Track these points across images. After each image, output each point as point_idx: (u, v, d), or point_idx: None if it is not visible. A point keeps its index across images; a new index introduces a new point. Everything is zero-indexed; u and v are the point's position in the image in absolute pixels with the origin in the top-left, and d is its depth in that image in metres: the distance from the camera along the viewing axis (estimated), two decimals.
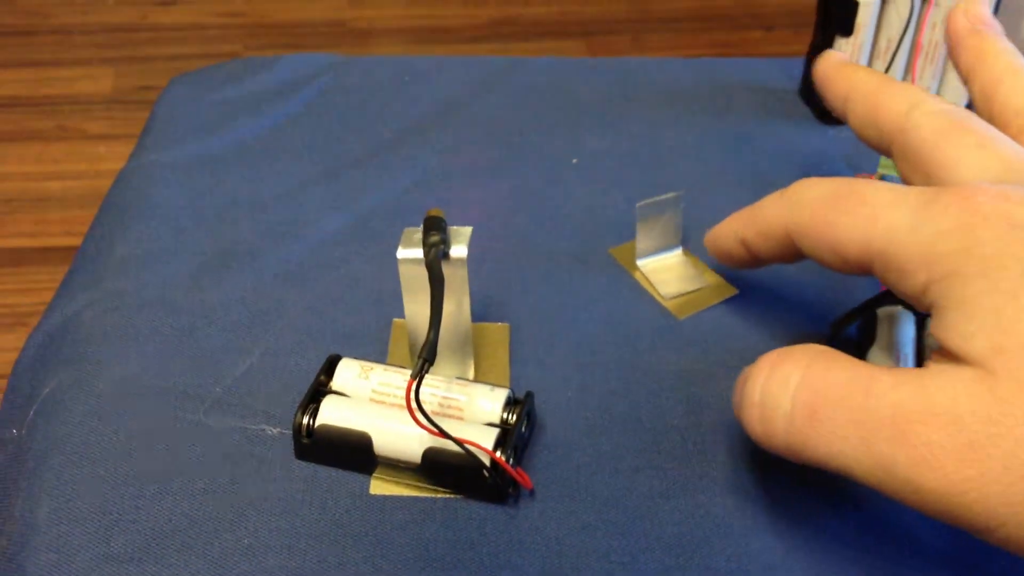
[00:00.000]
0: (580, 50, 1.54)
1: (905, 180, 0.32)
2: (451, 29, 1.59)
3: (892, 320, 0.37)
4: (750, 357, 0.38)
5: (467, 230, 0.35)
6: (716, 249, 0.37)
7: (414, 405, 0.31)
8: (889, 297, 0.37)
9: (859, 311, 0.37)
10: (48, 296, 1.24)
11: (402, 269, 0.35)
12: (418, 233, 0.35)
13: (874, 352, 0.36)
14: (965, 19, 0.35)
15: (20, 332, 1.12)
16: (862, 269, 0.30)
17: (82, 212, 1.26)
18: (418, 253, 0.34)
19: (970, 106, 0.35)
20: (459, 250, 0.34)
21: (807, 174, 0.46)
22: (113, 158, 1.34)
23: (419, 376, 0.31)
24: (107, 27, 1.58)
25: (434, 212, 0.35)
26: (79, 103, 1.44)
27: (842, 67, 0.36)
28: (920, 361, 0.36)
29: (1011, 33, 0.35)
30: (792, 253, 0.33)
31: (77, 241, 1.22)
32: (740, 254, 0.36)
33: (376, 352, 0.38)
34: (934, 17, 0.47)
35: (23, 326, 1.13)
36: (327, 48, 1.54)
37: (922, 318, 0.37)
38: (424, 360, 0.31)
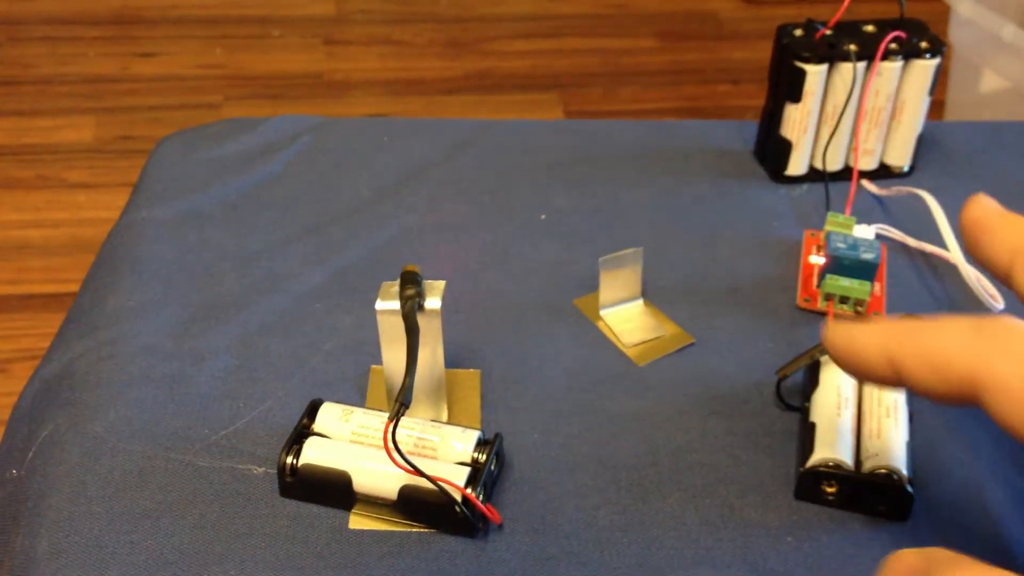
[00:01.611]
0: (553, 102, 1.58)
1: None
2: (426, 81, 1.62)
3: (834, 366, 0.40)
4: (705, 401, 0.41)
5: (441, 284, 0.38)
6: (849, 357, 0.32)
7: (391, 445, 0.34)
8: None
9: (803, 357, 0.40)
10: (28, 343, 1.25)
11: (380, 320, 0.38)
12: (395, 286, 0.38)
13: (817, 395, 0.39)
14: (987, 203, 0.34)
15: (0, 378, 1.13)
16: None
17: (63, 260, 1.28)
18: (395, 305, 0.37)
19: None
20: (433, 302, 0.37)
21: (760, 230, 0.50)
22: (93, 207, 1.37)
23: (396, 418, 0.34)
24: (88, 78, 1.60)
25: (410, 267, 0.38)
26: (60, 152, 1.46)
27: (1005, 218, 0.33)
28: (860, 403, 0.39)
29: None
30: (963, 401, 0.29)
31: (57, 288, 1.25)
32: (883, 374, 0.31)
33: (355, 397, 0.41)
34: (876, 85, 0.51)
35: (3, 373, 1.14)
36: (305, 99, 1.57)
37: None
38: (400, 404, 0.34)
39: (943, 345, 0.29)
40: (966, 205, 0.34)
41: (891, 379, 0.30)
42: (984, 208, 0.33)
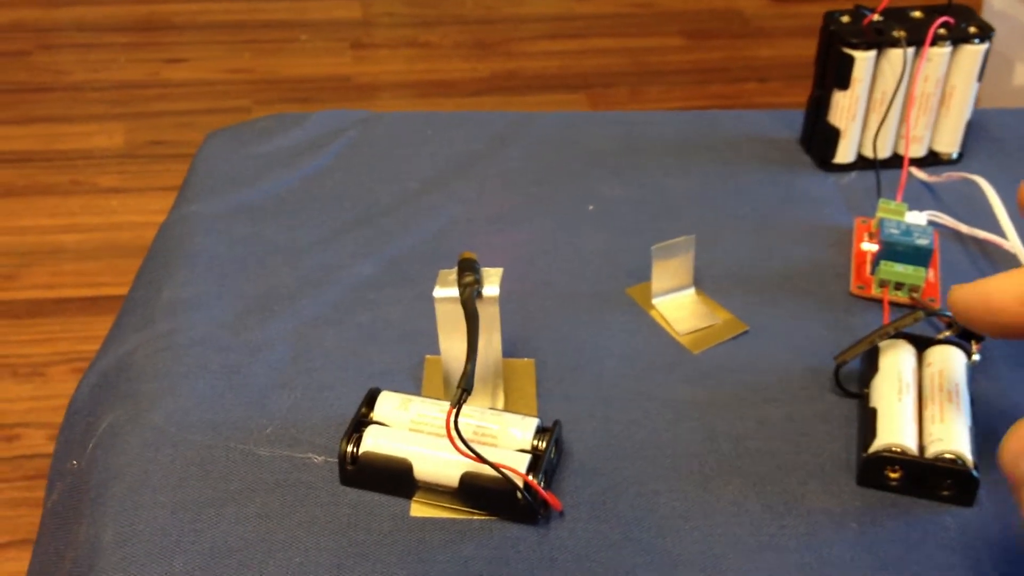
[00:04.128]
0: (580, 102, 1.58)
1: None
2: (454, 83, 1.63)
3: (893, 351, 0.40)
4: (762, 388, 0.41)
5: (498, 271, 0.38)
6: (983, 305, 0.32)
7: (454, 432, 0.34)
8: (888, 329, 0.40)
9: (862, 343, 0.40)
10: (65, 347, 1.25)
11: (438, 307, 0.38)
12: (453, 274, 0.38)
13: (877, 381, 0.39)
14: None
15: (37, 382, 1.14)
16: None
17: (97, 264, 1.29)
18: (454, 292, 0.37)
19: None
20: (491, 289, 0.37)
21: (810, 218, 0.50)
22: (126, 211, 1.38)
23: (458, 404, 0.34)
24: (119, 84, 1.61)
25: (467, 255, 0.38)
26: (92, 158, 1.47)
27: None
28: (920, 388, 0.39)
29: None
30: None
31: (92, 292, 1.25)
32: (1018, 319, 0.31)
33: (410, 386, 0.41)
34: (926, 71, 0.50)
35: (40, 376, 1.15)
36: (333, 103, 1.58)
37: (921, 349, 0.40)
38: (463, 390, 0.34)
39: None
40: (1022, 189, 0.34)
41: None
42: None
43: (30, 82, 1.61)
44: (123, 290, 0.48)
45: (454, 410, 0.34)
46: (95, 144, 1.49)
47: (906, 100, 0.51)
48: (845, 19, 0.51)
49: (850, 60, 0.50)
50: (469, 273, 0.37)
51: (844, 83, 0.50)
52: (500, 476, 0.35)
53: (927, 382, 0.39)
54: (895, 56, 0.50)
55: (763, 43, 1.74)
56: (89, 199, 1.40)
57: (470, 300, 0.36)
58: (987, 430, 0.39)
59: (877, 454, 0.36)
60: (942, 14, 0.50)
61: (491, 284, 0.37)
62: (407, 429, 0.37)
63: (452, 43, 1.72)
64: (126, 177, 1.44)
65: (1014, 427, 0.30)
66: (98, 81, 1.62)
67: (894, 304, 0.44)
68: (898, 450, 0.36)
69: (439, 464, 0.36)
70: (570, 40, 1.72)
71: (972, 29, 0.50)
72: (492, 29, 1.75)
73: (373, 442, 0.37)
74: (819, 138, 0.53)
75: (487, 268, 0.38)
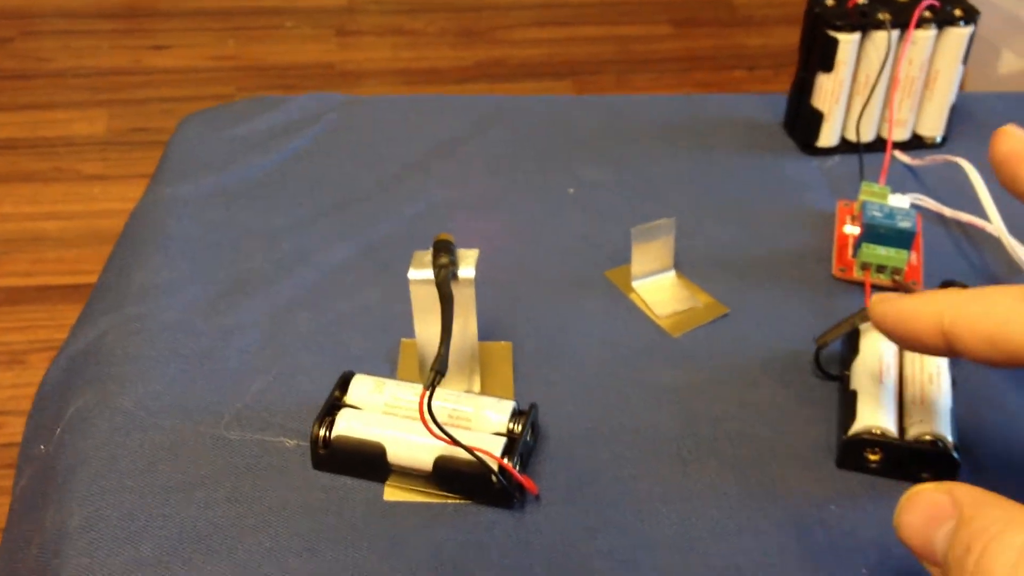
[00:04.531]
0: (567, 89, 1.57)
1: None
2: (439, 71, 1.62)
3: (874, 334, 0.39)
4: (742, 371, 0.40)
5: (473, 252, 0.37)
6: (901, 331, 0.32)
7: (427, 415, 0.33)
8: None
9: (842, 325, 0.39)
10: (45, 334, 1.24)
11: (413, 289, 0.37)
12: (428, 255, 0.37)
13: (858, 364, 0.39)
14: (1019, 133, 0.33)
15: (17, 370, 1.13)
16: None
17: (78, 251, 1.28)
18: (428, 274, 0.36)
19: None
20: (467, 271, 0.37)
21: (792, 202, 0.49)
22: (108, 198, 1.36)
23: (432, 387, 0.33)
24: (101, 71, 1.60)
25: (443, 236, 0.37)
26: (74, 145, 1.46)
27: None
28: (901, 370, 0.38)
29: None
30: (1019, 366, 0.29)
31: (74, 280, 1.24)
32: (936, 346, 0.31)
33: (386, 371, 0.40)
34: (910, 54, 0.50)
35: (20, 364, 1.14)
36: (318, 90, 1.56)
37: None
38: (436, 372, 0.33)
39: (996, 315, 0.29)
40: (996, 138, 0.33)
41: (943, 350, 0.31)
42: (1019, 139, 0.33)
43: (12, 69, 1.59)
44: None
45: (427, 392, 0.33)
46: (77, 131, 1.48)
47: (890, 83, 0.51)
48: (830, 2, 0.50)
49: (834, 43, 0.49)
50: (444, 254, 0.36)
51: (828, 65, 0.50)
52: (474, 459, 0.34)
53: (908, 365, 0.38)
54: (879, 39, 0.49)
55: (751, 31, 1.73)
56: (71, 186, 1.38)
57: (445, 282, 0.36)
58: (968, 413, 0.38)
59: (857, 436, 0.36)
60: None
61: (467, 266, 0.37)
62: (381, 413, 0.37)
63: (438, 30, 1.71)
64: (108, 164, 1.43)
65: (906, 498, 0.28)
66: (81, 68, 1.60)
67: (876, 287, 0.44)
68: (878, 432, 0.36)
69: (413, 448, 0.35)
70: (557, 28, 1.71)
71: (957, 12, 0.50)
72: (478, 17, 1.74)
73: (346, 425, 0.36)
74: (803, 121, 0.52)
75: (463, 249, 0.37)
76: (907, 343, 0.32)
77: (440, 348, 0.34)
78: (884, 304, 0.32)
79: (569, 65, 1.63)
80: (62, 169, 1.41)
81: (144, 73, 1.60)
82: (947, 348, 0.30)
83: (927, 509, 0.27)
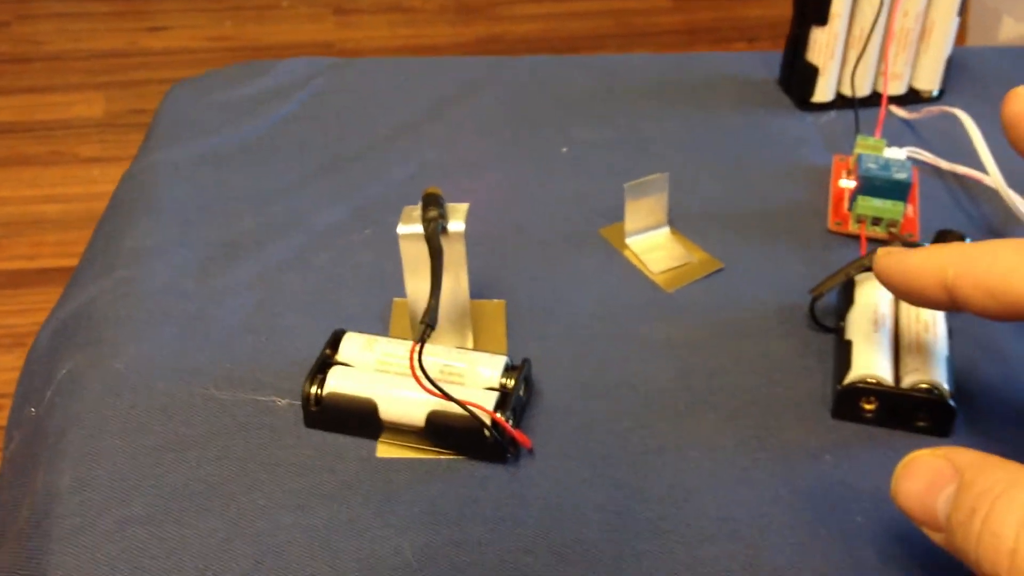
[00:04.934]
0: None
1: None
2: (438, 48, 1.61)
3: (870, 284, 0.39)
4: (737, 325, 0.40)
5: (464, 206, 0.37)
6: (904, 284, 0.32)
7: (418, 369, 0.33)
8: (864, 261, 0.39)
9: (837, 275, 0.39)
10: (45, 317, 1.25)
11: (403, 245, 0.37)
12: (417, 210, 0.37)
13: (853, 314, 0.38)
14: None
15: (19, 352, 1.13)
16: None
17: (78, 234, 1.28)
18: (418, 228, 0.36)
19: None
20: (457, 224, 0.36)
21: (788, 157, 0.49)
22: (107, 180, 1.36)
23: (422, 340, 0.33)
24: (98, 53, 1.60)
25: (432, 189, 0.37)
26: (72, 128, 1.45)
27: None
28: (897, 320, 0.38)
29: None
30: (1020, 319, 0.29)
31: (74, 262, 1.23)
32: (938, 299, 0.31)
33: (378, 330, 0.40)
34: (905, 5, 0.49)
35: (22, 346, 1.14)
36: None
37: None
38: (427, 325, 0.33)
39: (999, 269, 0.29)
40: (1007, 99, 0.33)
41: (946, 303, 0.31)
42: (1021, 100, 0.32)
43: (9, 53, 1.59)
44: None
45: (417, 346, 0.33)
46: (75, 114, 1.48)
47: (885, 36, 0.50)
48: None
49: None
50: (433, 208, 0.36)
51: (823, 19, 0.49)
52: (467, 414, 0.34)
53: (904, 314, 0.38)
54: None
55: (752, 3, 1.72)
56: (70, 169, 1.38)
57: (434, 235, 0.35)
58: (964, 361, 0.38)
59: (852, 385, 0.35)
60: None
61: (456, 219, 0.36)
62: (373, 370, 0.36)
63: (436, 7, 1.70)
64: (107, 146, 1.42)
65: (902, 465, 0.28)
66: (78, 51, 1.60)
67: (872, 240, 0.44)
68: (873, 381, 0.35)
69: (405, 403, 0.35)
70: (555, 3, 1.71)
71: None
72: None
73: (337, 383, 0.36)
74: (798, 77, 0.52)
75: (453, 204, 0.37)
76: (910, 297, 0.32)
77: (431, 300, 0.33)
78: (888, 258, 0.32)
79: (568, 40, 1.62)
80: (61, 152, 1.41)
81: (141, 55, 1.60)
82: (950, 302, 0.30)
83: (926, 475, 0.27)
